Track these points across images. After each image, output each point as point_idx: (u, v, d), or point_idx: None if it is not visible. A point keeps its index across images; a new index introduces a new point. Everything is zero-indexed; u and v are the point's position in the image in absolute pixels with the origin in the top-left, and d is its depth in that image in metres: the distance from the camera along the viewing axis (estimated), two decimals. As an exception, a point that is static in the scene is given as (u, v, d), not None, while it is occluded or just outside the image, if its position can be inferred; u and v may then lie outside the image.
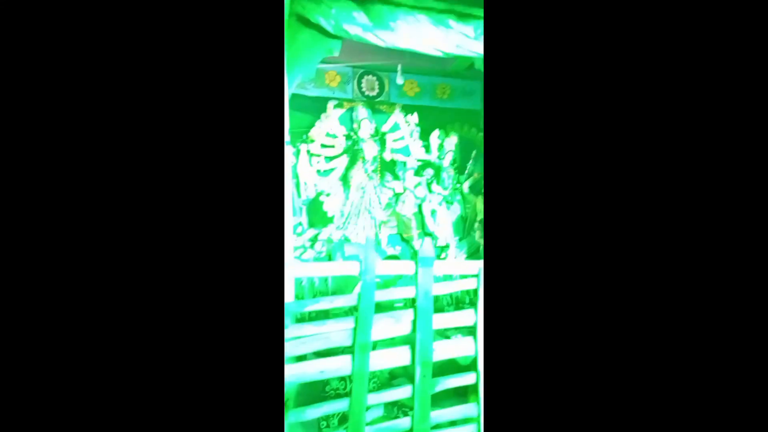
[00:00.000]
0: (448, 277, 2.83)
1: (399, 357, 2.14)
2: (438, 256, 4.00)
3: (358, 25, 2.54)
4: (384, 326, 2.11)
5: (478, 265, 2.26)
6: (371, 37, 2.57)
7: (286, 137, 2.97)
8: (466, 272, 2.34)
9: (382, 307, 2.13)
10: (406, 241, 4.02)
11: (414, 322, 2.12)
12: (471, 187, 4.26)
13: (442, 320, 2.22)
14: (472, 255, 4.00)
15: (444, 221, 4.07)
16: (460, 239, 4.13)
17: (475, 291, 2.24)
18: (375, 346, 2.06)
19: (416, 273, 2.16)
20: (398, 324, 2.14)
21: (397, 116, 4.12)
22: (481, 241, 4.02)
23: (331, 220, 3.78)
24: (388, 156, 4.04)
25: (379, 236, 3.90)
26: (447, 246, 4.05)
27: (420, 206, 4.06)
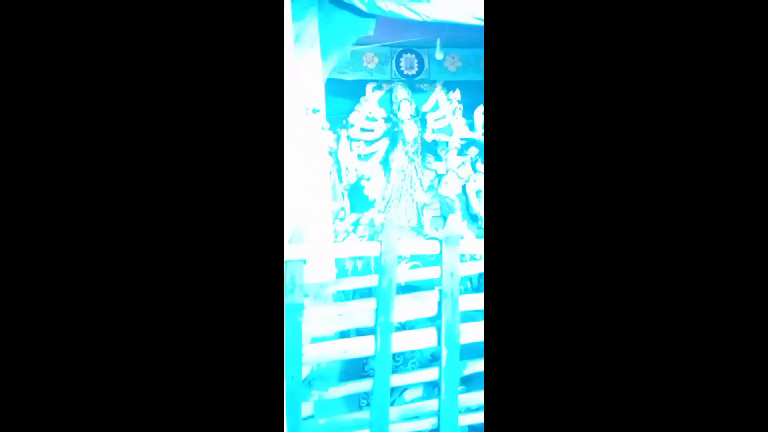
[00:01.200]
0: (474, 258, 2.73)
1: (425, 338, 2.09)
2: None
3: (392, 1, 2.43)
4: (409, 307, 2.06)
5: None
6: (406, 12, 2.45)
7: (325, 124, 2.96)
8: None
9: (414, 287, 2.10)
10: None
11: (439, 304, 2.06)
12: (519, 165, 4.04)
13: (469, 302, 2.13)
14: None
15: (490, 202, 3.91)
16: (508, 220, 3.95)
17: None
18: (405, 326, 2.04)
19: (441, 252, 2.07)
20: (423, 305, 2.08)
21: (438, 94, 3.96)
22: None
23: (372, 204, 3.76)
24: (429, 137, 3.91)
25: (422, 219, 3.83)
26: (494, 228, 3.90)
27: (464, 187, 3.91)
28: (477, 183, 3.90)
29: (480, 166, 3.94)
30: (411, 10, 2.43)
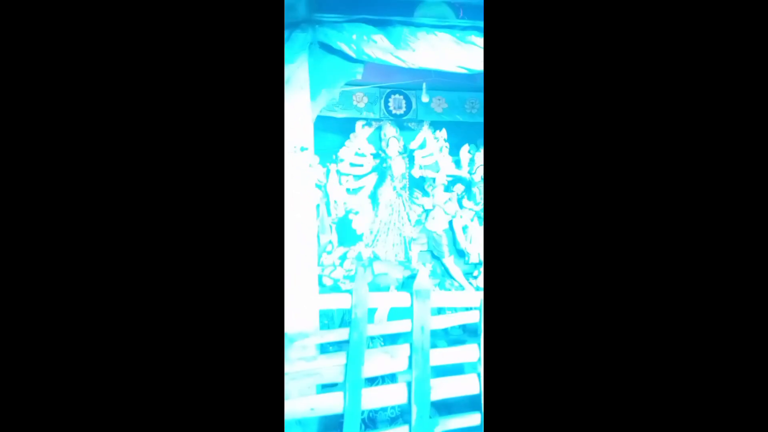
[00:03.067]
0: (445, 310, 2.71)
1: (395, 395, 2.01)
2: (471, 274, 3.91)
3: (379, 49, 2.58)
4: (379, 362, 1.99)
5: (479, 297, 2.12)
6: (392, 59, 2.60)
7: (313, 160, 3.05)
8: (469, 304, 2.21)
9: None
10: (437, 258, 3.96)
11: (410, 358, 2.00)
12: (504, 202, 4.14)
13: (441, 356, 2.08)
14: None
15: (476, 238, 3.97)
16: (493, 256, 4.01)
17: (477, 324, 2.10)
18: (376, 381, 1.97)
19: (412, 306, 2.04)
20: (394, 360, 2.01)
21: (425, 132, 4.11)
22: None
23: (360, 237, 3.81)
24: (416, 173, 4.03)
25: (410, 254, 3.87)
26: (480, 263, 3.95)
27: (451, 222, 4.00)
28: (463, 219, 3.99)
29: (467, 203, 4.05)
30: (397, 57, 2.58)
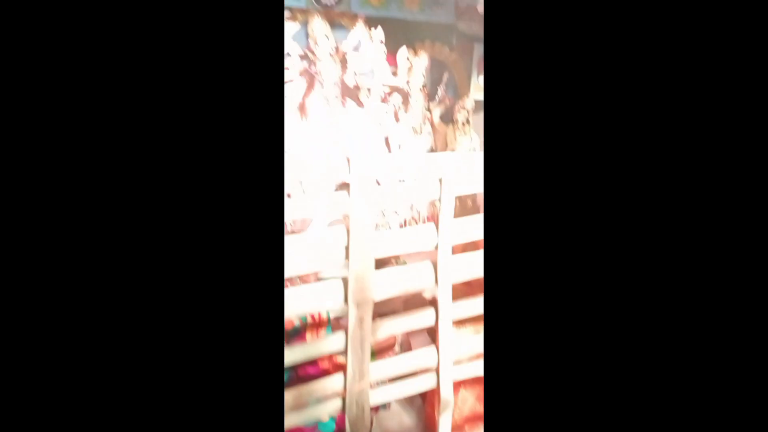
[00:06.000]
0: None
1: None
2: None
3: None
4: None
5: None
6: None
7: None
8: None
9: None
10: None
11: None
12: (442, 116, 3.94)
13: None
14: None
15: (410, 153, 3.80)
16: (429, 173, 3.93)
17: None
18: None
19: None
20: None
21: (360, 31, 3.55)
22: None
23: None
24: (350, 80, 3.56)
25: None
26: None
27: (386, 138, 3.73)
28: (400, 135, 3.73)
29: (402, 116, 3.76)
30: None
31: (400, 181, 3.00)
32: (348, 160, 1.62)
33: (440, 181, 1.80)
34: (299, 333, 1.97)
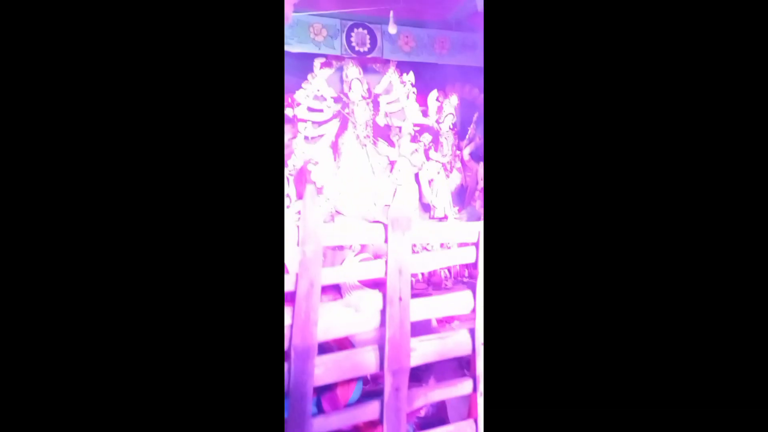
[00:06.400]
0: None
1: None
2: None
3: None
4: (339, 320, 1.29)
5: (477, 228, 1.51)
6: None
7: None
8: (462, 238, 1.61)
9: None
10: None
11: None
12: (472, 154, 3.97)
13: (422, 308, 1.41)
14: (471, 227, 3.80)
15: (442, 191, 3.82)
16: (460, 210, 3.90)
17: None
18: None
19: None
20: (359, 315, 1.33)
21: (391, 75, 3.73)
22: (482, 212, 3.80)
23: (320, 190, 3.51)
24: (381, 120, 3.70)
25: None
26: (446, 218, 3.83)
27: (416, 175, 3.78)
28: (429, 171, 3.78)
29: (433, 154, 3.82)
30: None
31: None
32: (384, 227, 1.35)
33: (476, 247, 1.64)
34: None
